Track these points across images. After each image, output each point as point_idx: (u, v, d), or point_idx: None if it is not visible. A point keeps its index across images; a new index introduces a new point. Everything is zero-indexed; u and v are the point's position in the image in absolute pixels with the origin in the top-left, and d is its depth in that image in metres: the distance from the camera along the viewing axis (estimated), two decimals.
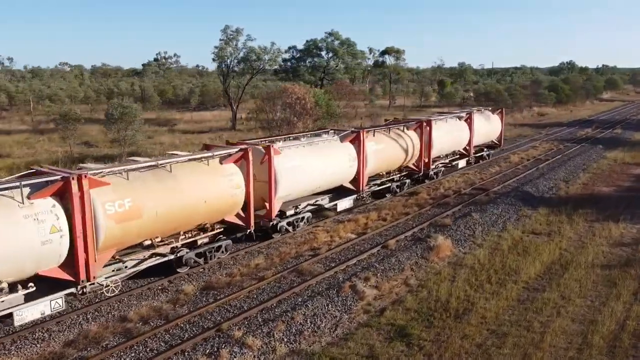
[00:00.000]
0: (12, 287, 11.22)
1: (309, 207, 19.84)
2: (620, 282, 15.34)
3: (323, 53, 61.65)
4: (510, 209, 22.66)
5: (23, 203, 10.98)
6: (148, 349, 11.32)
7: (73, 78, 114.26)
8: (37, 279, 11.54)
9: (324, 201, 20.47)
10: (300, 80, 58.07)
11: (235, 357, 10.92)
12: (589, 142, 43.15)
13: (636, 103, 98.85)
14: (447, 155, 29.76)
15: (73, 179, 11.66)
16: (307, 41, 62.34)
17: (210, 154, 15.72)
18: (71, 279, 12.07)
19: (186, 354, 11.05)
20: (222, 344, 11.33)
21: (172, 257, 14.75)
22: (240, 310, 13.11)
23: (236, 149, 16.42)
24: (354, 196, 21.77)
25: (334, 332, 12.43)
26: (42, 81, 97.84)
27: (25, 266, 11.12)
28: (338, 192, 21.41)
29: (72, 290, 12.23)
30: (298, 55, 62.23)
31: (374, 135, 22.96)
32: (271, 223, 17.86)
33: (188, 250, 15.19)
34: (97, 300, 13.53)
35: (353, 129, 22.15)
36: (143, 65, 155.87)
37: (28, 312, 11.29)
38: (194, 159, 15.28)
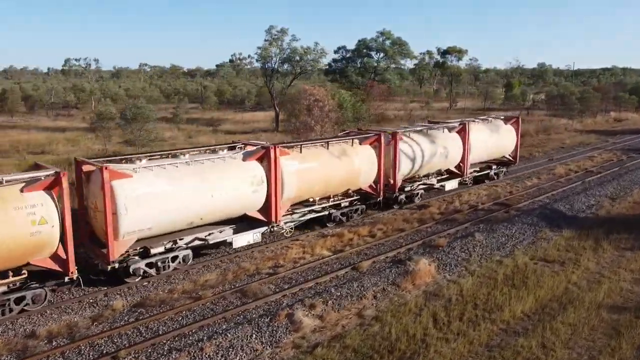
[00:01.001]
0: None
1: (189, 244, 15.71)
2: (626, 330, 12.47)
3: (373, 53, 59.49)
4: (527, 230, 19.75)
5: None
6: None
7: (147, 78, 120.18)
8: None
9: (213, 235, 16.17)
10: (348, 82, 56.47)
11: None
12: None
13: None
14: (430, 175, 24.31)
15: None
16: (358, 41, 60.53)
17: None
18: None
19: None
20: None
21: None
22: (153, 334, 11.88)
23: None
24: (263, 229, 17.16)
25: None
26: (117, 82, 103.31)
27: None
28: (250, 222, 17.18)
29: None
30: (348, 56, 60.50)
31: (300, 152, 18.21)
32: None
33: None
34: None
35: (263, 145, 17.48)
36: (217, 66, 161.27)
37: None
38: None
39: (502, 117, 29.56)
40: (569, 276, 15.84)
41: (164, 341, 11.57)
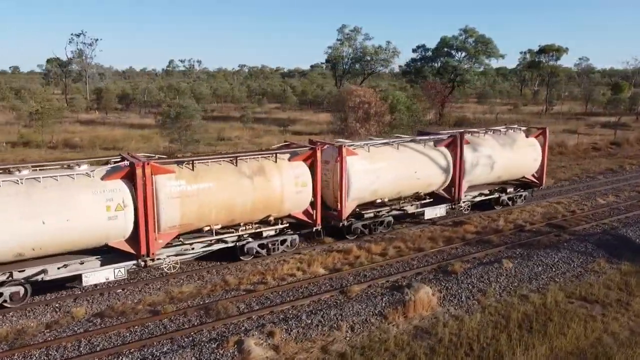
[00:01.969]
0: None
1: None
2: None
3: (454, 52, 55.79)
4: (575, 259, 16.55)
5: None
6: None
7: (242, 79, 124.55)
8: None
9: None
10: (425, 83, 53.45)
11: None
12: None
13: None
14: (404, 199, 19.31)
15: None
16: (440, 39, 57.12)
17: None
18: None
19: None
20: None
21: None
22: (90, 350, 11.11)
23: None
24: (128, 263, 13.81)
25: None
26: (210, 82, 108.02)
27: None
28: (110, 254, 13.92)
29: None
30: (427, 55, 57.33)
31: (192, 169, 14.32)
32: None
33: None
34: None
35: (133, 160, 13.69)
36: (311, 66, 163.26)
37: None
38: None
39: (522, 128, 23.55)
40: (608, 323, 12.80)
41: (96, 359, 10.75)
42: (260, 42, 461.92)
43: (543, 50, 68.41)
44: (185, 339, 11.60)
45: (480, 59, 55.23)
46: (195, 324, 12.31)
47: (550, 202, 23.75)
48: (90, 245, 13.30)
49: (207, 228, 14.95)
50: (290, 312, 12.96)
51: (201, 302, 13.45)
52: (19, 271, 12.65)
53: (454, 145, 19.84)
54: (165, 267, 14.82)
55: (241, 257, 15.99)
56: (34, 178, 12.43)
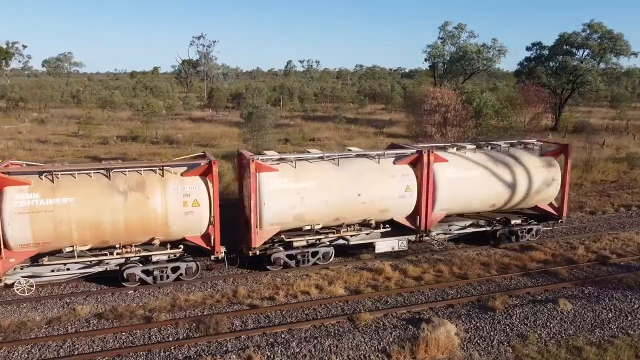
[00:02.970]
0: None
1: None
2: None
3: (575, 50, 49.53)
4: None
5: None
6: None
7: (355, 79, 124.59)
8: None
9: None
10: (539, 84, 48.31)
11: None
12: None
13: None
14: (345, 226, 15.58)
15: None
16: (559, 36, 51.20)
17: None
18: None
19: None
20: None
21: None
22: (69, 352, 10.94)
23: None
24: None
25: None
26: (321, 82, 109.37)
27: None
28: None
29: None
30: (545, 54, 51.65)
31: (52, 180, 12.81)
32: None
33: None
34: None
35: None
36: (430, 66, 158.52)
37: None
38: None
39: (534, 144, 18.44)
40: None
41: None
42: (379, 42, 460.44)
43: None
44: (162, 354, 10.96)
45: (607, 57, 48.38)
46: (180, 337, 11.65)
47: None
48: None
49: (68, 249, 13.12)
50: (282, 336, 11.75)
51: (198, 314, 12.79)
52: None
53: (421, 163, 15.97)
54: (18, 290, 13.32)
55: (123, 284, 14.06)
56: None
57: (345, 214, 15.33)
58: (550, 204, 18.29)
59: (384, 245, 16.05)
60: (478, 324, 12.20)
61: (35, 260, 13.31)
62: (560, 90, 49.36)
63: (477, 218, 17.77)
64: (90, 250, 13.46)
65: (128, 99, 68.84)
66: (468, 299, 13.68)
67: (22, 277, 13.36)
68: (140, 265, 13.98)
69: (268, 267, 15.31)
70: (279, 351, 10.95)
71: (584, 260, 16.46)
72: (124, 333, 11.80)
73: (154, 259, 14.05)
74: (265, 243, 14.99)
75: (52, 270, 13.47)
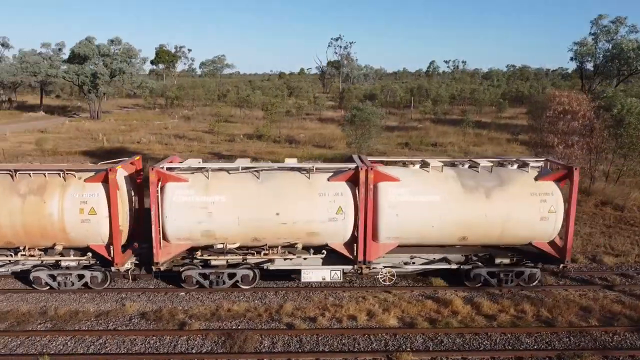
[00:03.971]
0: None
1: None
2: None
3: None
4: None
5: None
6: None
7: (504, 79, 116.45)
8: None
9: None
10: None
11: None
12: None
13: None
14: (270, 249, 13.61)
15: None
16: None
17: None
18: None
19: None
20: None
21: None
22: (92, 352, 11.08)
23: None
24: None
25: None
26: (460, 83, 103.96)
27: None
28: None
29: None
30: None
31: None
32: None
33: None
34: None
35: None
36: (578, 67, 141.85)
37: None
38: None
39: (533, 165, 14.27)
40: None
41: None
42: (537, 40, 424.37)
43: None
44: None
45: None
46: (203, 351, 11.14)
47: None
48: None
49: None
50: None
51: (233, 327, 12.19)
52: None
53: (356, 180, 13.25)
54: None
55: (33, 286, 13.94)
56: None
57: (264, 235, 13.41)
58: (552, 243, 14.19)
59: (312, 274, 13.79)
60: None
61: None
62: None
63: (457, 252, 14.34)
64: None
65: (267, 99, 72.48)
66: (546, 353, 11.07)
67: None
68: (47, 269, 13.81)
69: (182, 284, 14.11)
70: None
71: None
72: (154, 337, 11.68)
73: (63, 264, 13.78)
74: (183, 258, 13.93)
75: None
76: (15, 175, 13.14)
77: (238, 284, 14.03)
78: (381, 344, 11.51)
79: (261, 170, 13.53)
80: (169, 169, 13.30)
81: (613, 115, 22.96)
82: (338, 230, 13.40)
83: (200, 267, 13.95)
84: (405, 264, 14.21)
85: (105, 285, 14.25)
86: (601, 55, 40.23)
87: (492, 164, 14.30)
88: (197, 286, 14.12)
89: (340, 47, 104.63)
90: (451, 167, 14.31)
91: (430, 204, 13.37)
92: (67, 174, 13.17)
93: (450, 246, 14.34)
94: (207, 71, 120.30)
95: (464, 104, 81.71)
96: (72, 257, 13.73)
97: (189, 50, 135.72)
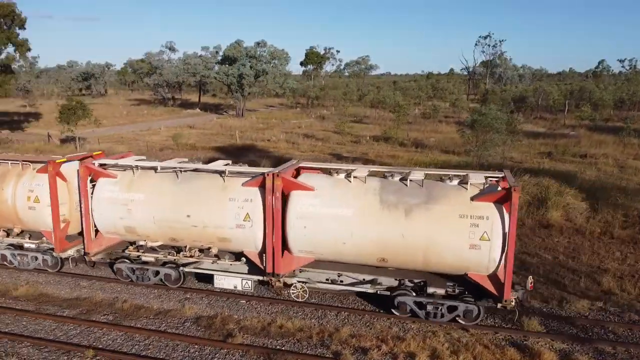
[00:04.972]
0: None
1: None
2: None
3: None
4: None
5: None
6: None
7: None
8: None
9: None
10: None
11: None
12: None
13: None
14: (189, 250, 13.33)
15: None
16: None
17: None
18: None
19: None
20: None
21: None
22: (134, 352, 11.00)
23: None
24: None
25: None
26: (634, 85, 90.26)
27: None
28: None
29: None
30: None
31: None
32: None
33: None
34: None
35: None
36: None
37: None
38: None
39: (454, 178, 11.99)
40: None
41: None
42: None
43: None
44: None
45: None
46: None
47: None
48: None
49: None
50: None
51: (277, 347, 11.28)
52: None
53: (267, 189, 12.22)
54: None
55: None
56: None
57: (181, 236, 13.43)
58: (493, 276, 11.54)
59: (224, 281, 13.42)
60: None
61: None
62: None
63: (390, 275, 12.41)
64: None
65: (406, 99, 70.49)
66: None
67: None
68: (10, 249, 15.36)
69: (117, 276, 14.59)
70: None
71: None
72: (195, 346, 11.30)
73: (26, 246, 15.29)
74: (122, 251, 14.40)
75: None
76: None
77: (163, 282, 14.11)
78: None
79: (183, 171, 13.50)
80: (100, 165, 14.07)
81: None
82: (248, 238, 12.86)
83: (130, 262, 14.25)
84: (333, 282, 12.77)
85: (57, 269, 15.36)
86: None
87: (423, 178, 12.09)
88: (129, 280, 14.41)
89: (489, 45, 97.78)
90: (379, 179, 12.53)
91: (342, 218, 11.98)
92: (23, 164, 14.84)
93: (383, 268, 12.51)
94: (351, 72, 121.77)
95: (635, 109, 70.75)
96: (27, 240, 15.33)
97: (337, 51, 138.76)
